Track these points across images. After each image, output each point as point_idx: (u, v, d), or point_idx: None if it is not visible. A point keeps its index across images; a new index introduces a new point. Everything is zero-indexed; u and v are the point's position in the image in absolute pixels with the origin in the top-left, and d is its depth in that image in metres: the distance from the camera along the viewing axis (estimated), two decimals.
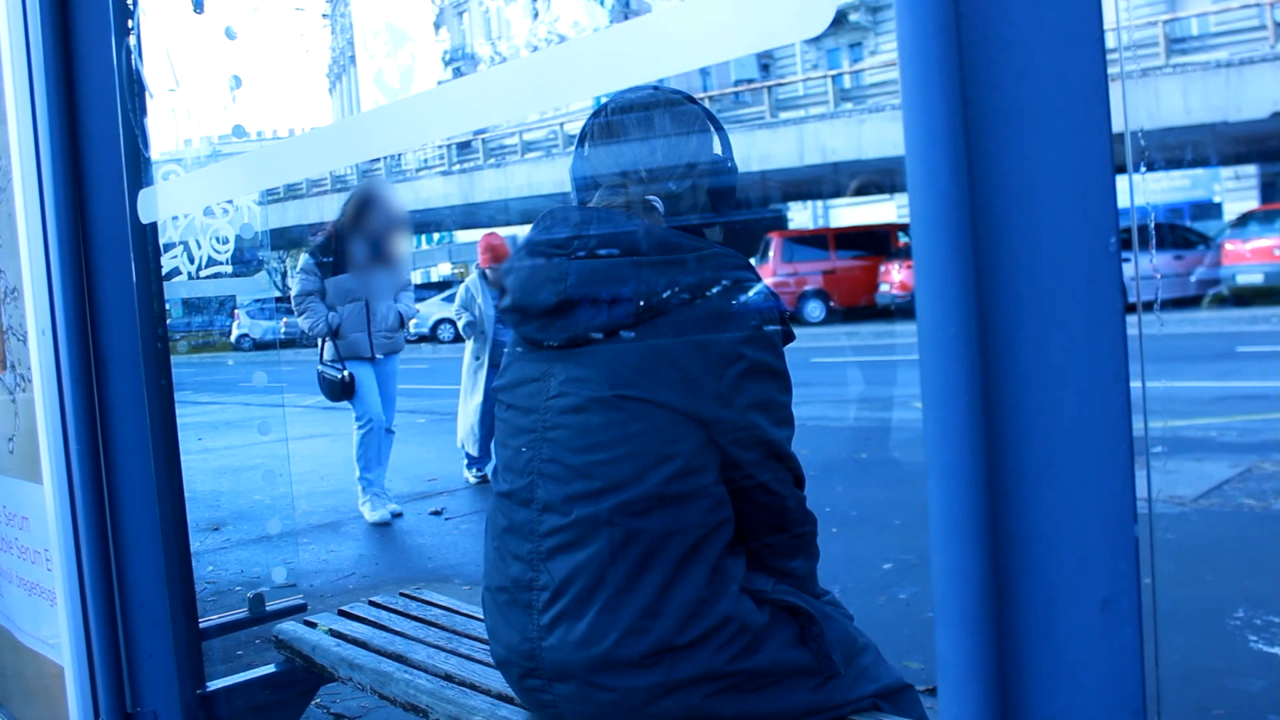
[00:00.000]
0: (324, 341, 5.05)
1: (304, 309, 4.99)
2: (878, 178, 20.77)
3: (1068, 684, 0.75)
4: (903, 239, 19.20)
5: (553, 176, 22.11)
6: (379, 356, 5.16)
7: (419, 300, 25.57)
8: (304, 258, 5.13)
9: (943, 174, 0.72)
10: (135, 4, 1.82)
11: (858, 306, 17.31)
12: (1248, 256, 15.12)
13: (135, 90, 1.82)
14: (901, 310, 16.63)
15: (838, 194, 24.11)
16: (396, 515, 5.18)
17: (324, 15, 44.99)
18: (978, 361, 0.73)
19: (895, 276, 17.12)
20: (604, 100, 1.52)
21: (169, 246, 2.05)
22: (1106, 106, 0.73)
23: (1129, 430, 0.73)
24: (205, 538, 4.93)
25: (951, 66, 0.72)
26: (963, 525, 0.73)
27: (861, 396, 9.00)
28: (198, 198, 1.94)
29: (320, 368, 5.06)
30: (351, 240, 4.89)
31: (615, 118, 1.50)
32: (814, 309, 17.79)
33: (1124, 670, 0.74)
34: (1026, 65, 0.73)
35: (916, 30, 0.72)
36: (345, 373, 5.01)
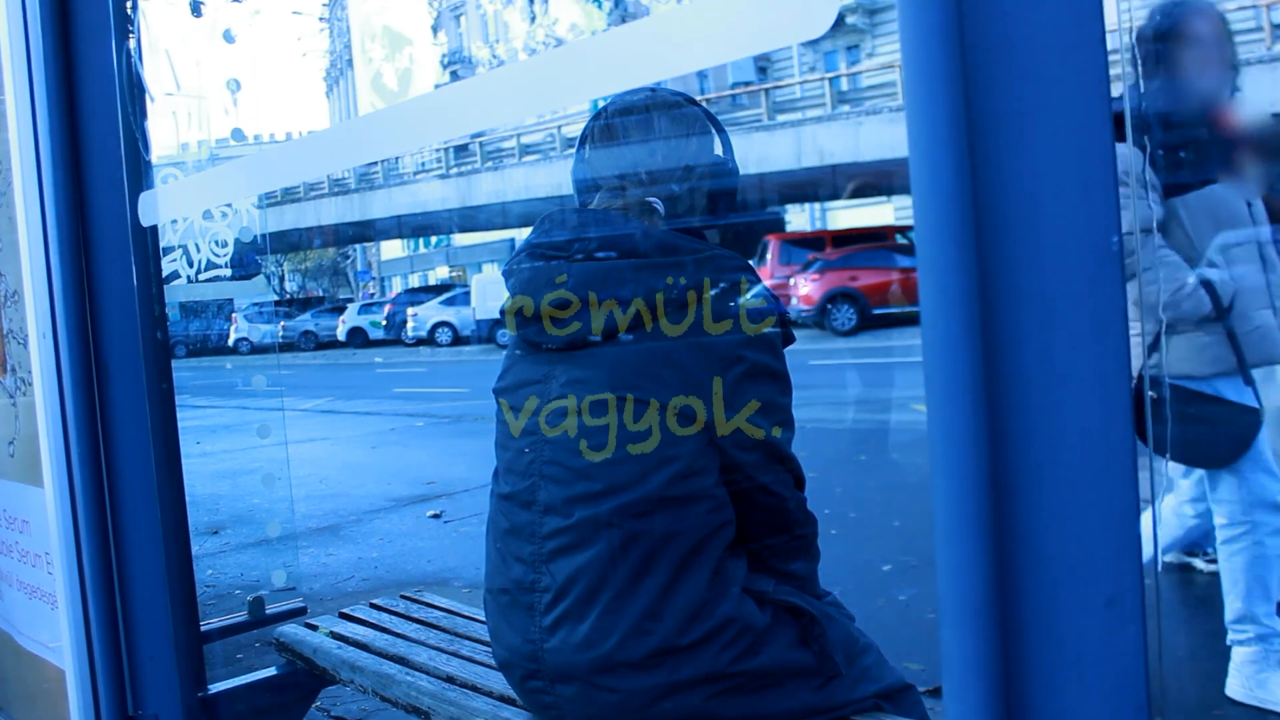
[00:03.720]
0: None
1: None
2: (875, 180, 20.77)
3: (1072, 682, 0.75)
4: (899, 240, 19.12)
5: (550, 179, 22.12)
6: None
7: (416, 305, 25.11)
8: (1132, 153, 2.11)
9: (946, 175, 0.72)
10: (135, 7, 1.83)
11: None
12: None
13: (135, 93, 1.82)
14: (804, 324, 15.53)
15: (835, 196, 24.12)
16: None
17: (321, 19, 45.00)
18: (981, 362, 0.74)
19: (802, 289, 16.17)
20: (603, 102, 1.52)
21: (168, 250, 2.05)
22: (1109, 107, 0.73)
23: (1132, 428, 0.74)
24: (204, 541, 4.93)
25: (954, 68, 0.72)
26: (967, 524, 0.73)
27: (859, 399, 9.00)
28: (198, 201, 1.94)
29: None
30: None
31: (616, 120, 1.50)
32: None
33: (1129, 668, 0.74)
34: (1029, 66, 0.74)
35: (919, 32, 0.72)
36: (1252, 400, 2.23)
